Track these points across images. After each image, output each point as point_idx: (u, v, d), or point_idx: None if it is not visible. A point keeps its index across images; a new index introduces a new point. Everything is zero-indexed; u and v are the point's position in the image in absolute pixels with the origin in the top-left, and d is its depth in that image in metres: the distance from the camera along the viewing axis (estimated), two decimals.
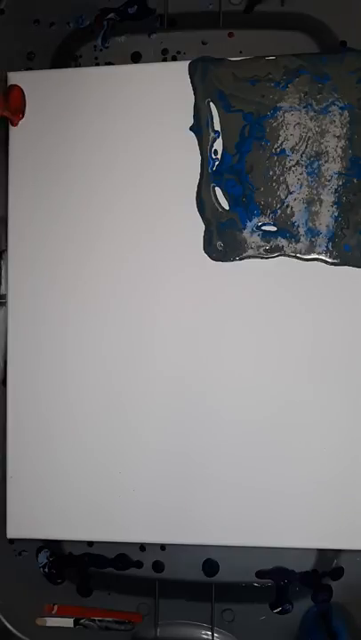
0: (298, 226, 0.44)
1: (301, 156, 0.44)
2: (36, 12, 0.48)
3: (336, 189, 0.44)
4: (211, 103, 0.45)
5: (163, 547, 0.46)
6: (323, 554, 0.45)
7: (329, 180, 0.44)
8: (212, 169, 0.45)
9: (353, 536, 0.43)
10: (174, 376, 0.44)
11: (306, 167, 0.44)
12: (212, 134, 0.45)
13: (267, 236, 0.44)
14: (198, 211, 0.45)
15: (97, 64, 0.47)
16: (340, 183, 0.44)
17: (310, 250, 0.44)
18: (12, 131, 0.46)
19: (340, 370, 0.43)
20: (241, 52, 0.46)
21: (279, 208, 0.44)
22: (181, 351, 0.44)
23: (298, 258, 0.44)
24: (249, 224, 0.44)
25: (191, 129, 0.45)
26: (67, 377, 0.45)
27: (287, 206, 0.44)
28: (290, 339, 0.44)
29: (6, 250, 0.47)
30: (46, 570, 0.47)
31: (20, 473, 0.46)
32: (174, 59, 0.47)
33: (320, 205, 0.44)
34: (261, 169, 0.44)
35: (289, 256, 0.44)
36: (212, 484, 0.44)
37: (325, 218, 0.44)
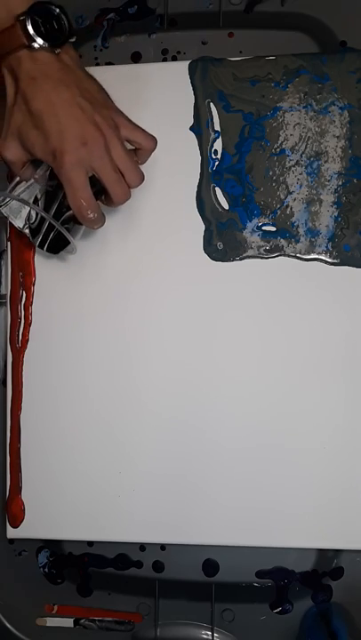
0: (298, 226, 0.44)
1: (301, 156, 0.44)
2: None
3: (336, 189, 0.44)
4: (211, 103, 0.45)
5: (163, 547, 0.46)
6: (323, 554, 0.45)
7: (329, 180, 0.44)
8: (212, 169, 0.45)
9: (353, 536, 0.43)
10: (175, 376, 0.44)
11: (306, 167, 0.44)
12: (212, 134, 0.45)
13: (267, 236, 0.44)
14: (198, 211, 0.45)
15: (97, 64, 0.47)
16: (340, 183, 0.44)
17: (310, 250, 0.44)
18: None
19: (340, 370, 0.43)
20: (241, 52, 0.46)
21: (279, 208, 0.44)
22: (181, 351, 0.44)
23: (298, 258, 0.44)
24: (249, 224, 0.44)
25: (191, 129, 0.45)
26: (67, 377, 0.45)
27: (287, 206, 0.44)
28: (290, 338, 0.44)
29: (6, 250, 0.47)
30: (46, 570, 0.47)
31: (21, 473, 0.46)
32: (174, 59, 0.47)
33: (320, 205, 0.44)
34: (261, 169, 0.44)
35: (289, 256, 0.44)
36: (212, 485, 0.44)
37: (325, 218, 0.44)
